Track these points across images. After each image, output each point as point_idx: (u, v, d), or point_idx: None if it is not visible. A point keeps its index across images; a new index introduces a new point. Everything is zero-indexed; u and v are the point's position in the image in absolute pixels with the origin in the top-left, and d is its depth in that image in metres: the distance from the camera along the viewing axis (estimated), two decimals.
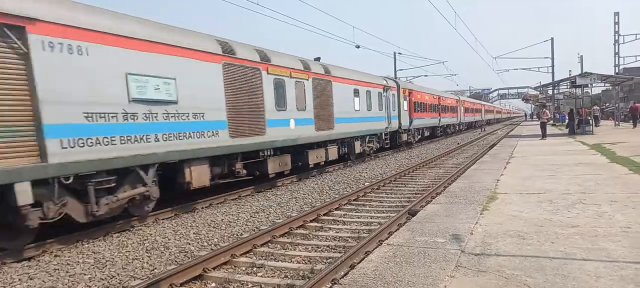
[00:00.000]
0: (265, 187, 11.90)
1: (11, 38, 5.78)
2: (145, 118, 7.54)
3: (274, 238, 6.84)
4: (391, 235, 5.75)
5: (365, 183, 11.84)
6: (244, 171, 10.62)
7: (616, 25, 36.91)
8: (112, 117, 7.00)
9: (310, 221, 7.87)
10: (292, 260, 5.95)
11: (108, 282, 5.44)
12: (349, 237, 6.87)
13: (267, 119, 10.97)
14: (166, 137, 7.92)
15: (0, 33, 5.69)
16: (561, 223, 5.32)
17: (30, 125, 5.99)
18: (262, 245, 6.55)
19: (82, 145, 6.53)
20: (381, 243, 5.28)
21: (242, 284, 5.17)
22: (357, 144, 17.00)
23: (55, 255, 6.51)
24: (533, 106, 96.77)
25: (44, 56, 6.10)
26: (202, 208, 9.56)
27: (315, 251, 6.32)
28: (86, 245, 6.96)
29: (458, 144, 26.11)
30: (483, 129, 44.21)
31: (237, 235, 7.35)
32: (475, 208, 6.47)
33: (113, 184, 7.19)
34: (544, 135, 22.74)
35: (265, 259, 6.01)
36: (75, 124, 6.48)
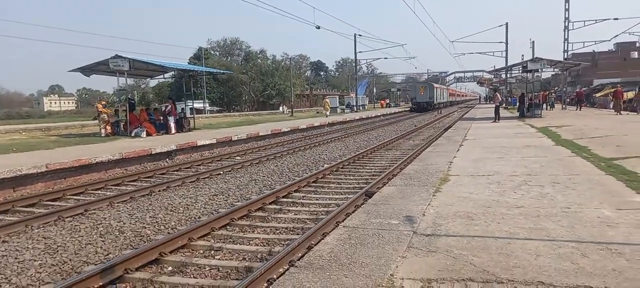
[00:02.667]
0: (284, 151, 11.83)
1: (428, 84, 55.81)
2: (441, 97, 57.35)
3: (233, 221, 6.83)
4: (348, 216, 5.86)
5: (325, 166, 11.94)
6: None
7: (566, 12, 38.36)
8: (442, 97, 58.02)
9: (270, 203, 7.90)
10: (251, 242, 5.97)
11: (60, 268, 5.30)
12: (307, 219, 6.94)
13: (445, 99, 63.09)
14: (443, 101, 60.29)
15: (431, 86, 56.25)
16: (507, 204, 5.59)
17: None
18: (220, 228, 6.53)
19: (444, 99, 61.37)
20: (338, 225, 5.40)
21: (200, 267, 5.16)
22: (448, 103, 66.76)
23: (3, 241, 6.27)
24: (487, 89, 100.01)
25: (439, 88, 58.86)
26: (159, 191, 9.41)
27: (274, 233, 6.37)
28: (36, 230, 6.74)
29: (415, 126, 26.70)
30: (439, 112, 45.36)
31: (195, 218, 7.29)
32: (429, 190, 6.68)
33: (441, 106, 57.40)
34: (496, 118, 23.55)
35: (224, 242, 6.01)
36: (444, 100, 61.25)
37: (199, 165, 13.19)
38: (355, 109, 50.90)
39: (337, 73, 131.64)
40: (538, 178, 7.20)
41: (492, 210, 5.36)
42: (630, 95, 36.13)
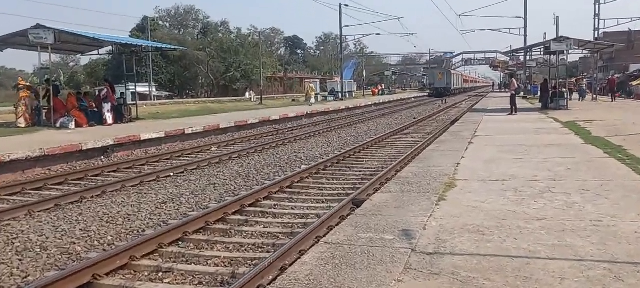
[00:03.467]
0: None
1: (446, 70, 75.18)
2: (457, 83, 75.34)
3: (186, 235, 6.78)
4: (331, 230, 5.88)
5: (302, 166, 11.95)
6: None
7: None
8: (457, 83, 76.82)
9: (233, 213, 7.87)
10: (209, 262, 5.94)
11: None
12: (280, 233, 6.94)
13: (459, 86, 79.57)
14: (458, 87, 76.73)
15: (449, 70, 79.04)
16: (526, 216, 5.68)
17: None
18: (170, 244, 6.47)
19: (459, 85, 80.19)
20: (318, 241, 5.40)
21: None
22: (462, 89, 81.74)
23: None
24: (502, 74, 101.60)
25: (455, 74, 79.42)
26: (92, 197, 9.27)
27: (238, 251, 6.34)
28: None
29: (414, 118, 26.92)
30: (444, 101, 45.90)
31: (138, 231, 7.22)
32: (430, 197, 6.75)
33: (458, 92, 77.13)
34: (512, 110, 23.88)
35: (175, 261, 5.96)
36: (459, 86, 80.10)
37: (143, 164, 13.06)
38: (340, 97, 51.04)
39: (317, 52, 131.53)
40: (563, 184, 7.33)
41: (507, 223, 5.45)
42: None
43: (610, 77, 45.78)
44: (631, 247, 4.56)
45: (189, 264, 5.88)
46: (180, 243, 6.61)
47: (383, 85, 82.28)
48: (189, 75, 71.25)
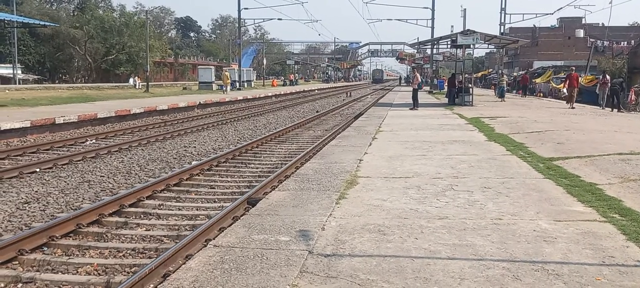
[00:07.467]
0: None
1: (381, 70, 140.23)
2: (385, 77, 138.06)
3: (53, 239, 6.44)
4: (222, 232, 5.82)
5: (193, 162, 11.76)
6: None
7: None
8: (385, 77, 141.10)
9: (110, 214, 7.59)
10: (79, 270, 5.68)
11: None
12: (164, 236, 6.80)
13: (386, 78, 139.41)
14: (385, 79, 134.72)
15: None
16: (428, 215, 5.92)
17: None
18: (33, 250, 6.11)
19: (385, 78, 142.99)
20: (207, 244, 5.33)
21: None
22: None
23: None
24: (409, 68, 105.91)
25: (385, 72, 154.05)
26: None
27: (115, 257, 6.13)
28: None
29: (317, 112, 27.28)
30: (348, 94, 46.90)
31: None
32: (331, 196, 6.85)
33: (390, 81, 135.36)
34: (414, 105, 24.75)
35: (38, 270, 5.65)
36: (386, 78, 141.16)
37: (2, 158, 12.30)
38: (237, 86, 50.57)
39: (213, 36, 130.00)
40: (466, 182, 7.72)
41: (409, 222, 5.64)
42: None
43: (522, 73, 48.71)
44: (529, 246, 4.88)
45: (55, 273, 5.59)
46: (45, 249, 6.27)
47: (284, 76, 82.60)
48: (63, 57, 67.62)
